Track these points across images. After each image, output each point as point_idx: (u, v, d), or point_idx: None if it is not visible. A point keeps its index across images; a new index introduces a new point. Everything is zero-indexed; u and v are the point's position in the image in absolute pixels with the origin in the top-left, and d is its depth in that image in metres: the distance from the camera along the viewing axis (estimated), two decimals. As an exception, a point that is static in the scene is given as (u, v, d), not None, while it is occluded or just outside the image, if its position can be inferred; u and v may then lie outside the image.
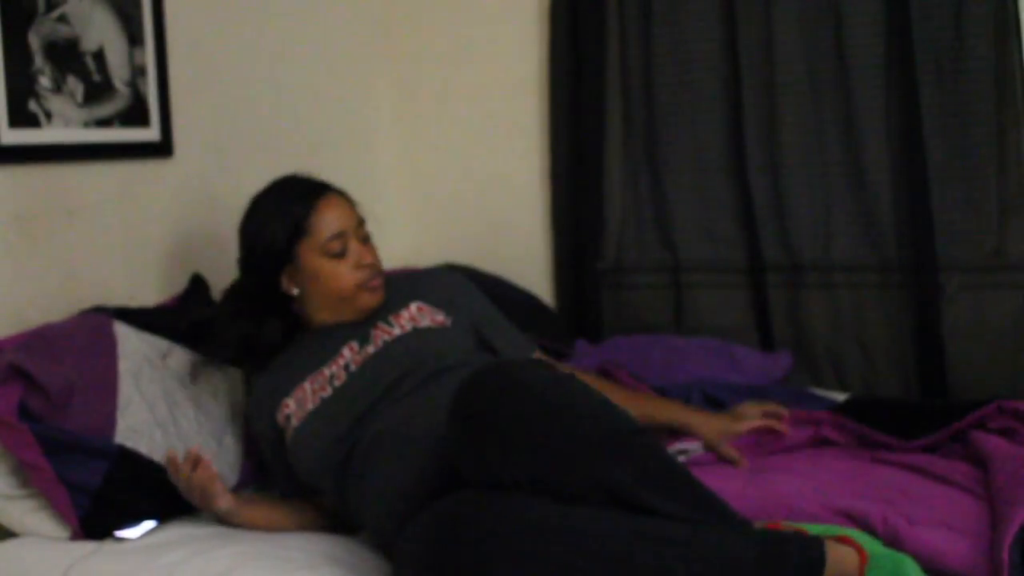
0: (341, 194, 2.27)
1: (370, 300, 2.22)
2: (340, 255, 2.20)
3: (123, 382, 2.17)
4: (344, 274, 2.20)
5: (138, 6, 2.50)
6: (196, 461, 1.99)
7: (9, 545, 2.02)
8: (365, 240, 2.26)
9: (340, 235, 2.20)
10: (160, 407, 2.19)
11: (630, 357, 2.63)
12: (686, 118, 2.91)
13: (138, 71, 2.51)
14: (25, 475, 2.04)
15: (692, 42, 2.88)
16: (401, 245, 3.30)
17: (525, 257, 3.11)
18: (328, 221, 2.20)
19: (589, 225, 3.00)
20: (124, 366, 2.19)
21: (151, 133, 2.55)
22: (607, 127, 2.97)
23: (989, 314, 2.61)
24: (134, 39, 2.50)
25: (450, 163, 3.27)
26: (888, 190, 2.69)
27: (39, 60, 2.30)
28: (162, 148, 2.58)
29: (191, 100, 2.66)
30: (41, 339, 2.14)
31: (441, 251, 3.12)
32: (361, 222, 2.26)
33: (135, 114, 2.51)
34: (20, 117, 2.27)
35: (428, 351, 2.14)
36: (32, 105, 2.29)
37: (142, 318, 2.32)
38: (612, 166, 2.98)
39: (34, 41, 2.29)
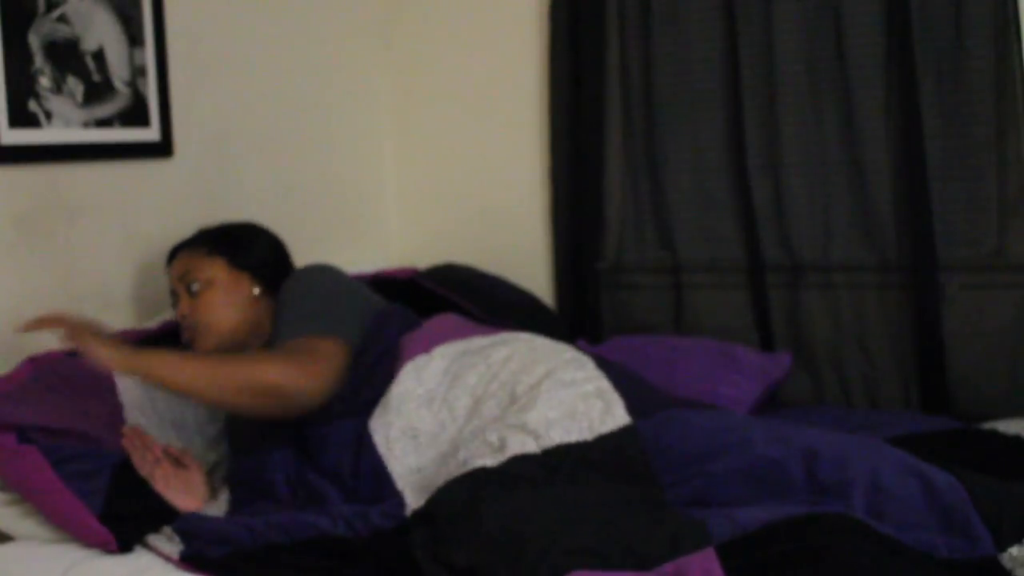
0: (187, 250, 2.33)
1: (199, 348, 2.28)
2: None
3: (128, 414, 2.16)
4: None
5: (138, 6, 2.51)
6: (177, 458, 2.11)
7: (7, 548, 2.02)
8: (192, 293, 2.29)
9: (172, 292, 2.33)
10: (168, 433, 2.20)
11: (630, 357, 2.63)
12: (686, 118, 2.91)
13: (138, 71, 2.51)
14: (32, 506, 1.99)
15: (692, 42, 2.88)
16: (401, 245, 3.30)
17: (525, 257, 3.11)
18: (170, 280, 2.34)
19: (589, 225, 3.00)
20: (127, 398, 2.18)
21: (151, 133, 2.55)
22: (607, 127, 2.97)
23: (989, 314, 2.61)
24: (134, 39, 2.50)
25: (450, 163, 3.27)
26: (888, 190, 2.69)
27: (39, 60, 2.30)
28: (162, 148, 2.58)
29: (191, 100, 2.66)
30: (35, 385, 2.11)
31: (441, 251, 3.12)
32: (185, 274, 2.29)
33: (135, 114, 2.51)
34: (20, 117, 2.27)
35: None
36: (32, 105, 2.29)
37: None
38: (612, 166, 2.98)
39: (34, 41, 2.29)
